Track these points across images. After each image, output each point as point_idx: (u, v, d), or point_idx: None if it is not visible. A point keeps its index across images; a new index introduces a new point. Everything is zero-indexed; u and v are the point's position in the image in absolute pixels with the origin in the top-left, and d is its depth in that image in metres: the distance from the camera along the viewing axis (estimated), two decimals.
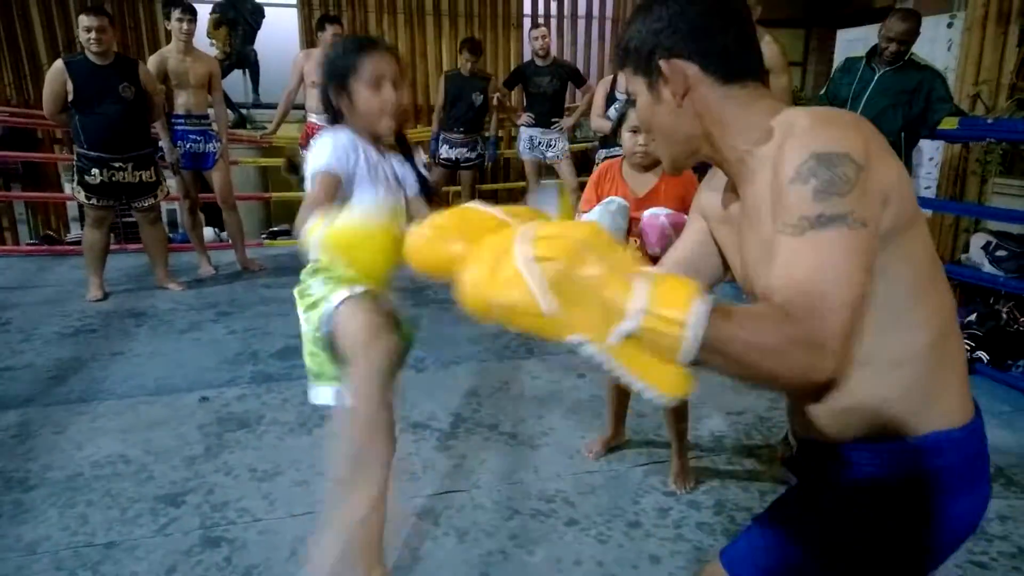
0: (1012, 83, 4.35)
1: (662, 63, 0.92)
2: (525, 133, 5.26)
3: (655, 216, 1.98)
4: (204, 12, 5.51)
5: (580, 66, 6.43)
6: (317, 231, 1.22)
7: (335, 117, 1.68)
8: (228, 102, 5.81)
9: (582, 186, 3.01)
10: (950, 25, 4.76)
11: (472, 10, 6.37)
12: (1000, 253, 3.46)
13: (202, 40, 5.37)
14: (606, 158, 4.18)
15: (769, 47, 4.00)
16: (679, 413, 2.20)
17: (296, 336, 1.55)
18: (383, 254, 1.20)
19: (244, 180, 6.05)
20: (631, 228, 2.05)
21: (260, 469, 2.34)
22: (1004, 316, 3.40)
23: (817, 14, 6.96)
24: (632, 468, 2.35)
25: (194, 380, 3.04)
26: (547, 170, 5.55)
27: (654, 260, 1.65)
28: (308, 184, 1.58)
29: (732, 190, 1.01)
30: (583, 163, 5.86)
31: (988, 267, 3.46)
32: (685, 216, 1.66)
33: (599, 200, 2.08)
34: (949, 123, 3.23)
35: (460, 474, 2.30)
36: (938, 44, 4.80)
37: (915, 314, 0.88)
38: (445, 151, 5.31)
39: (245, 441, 2.52)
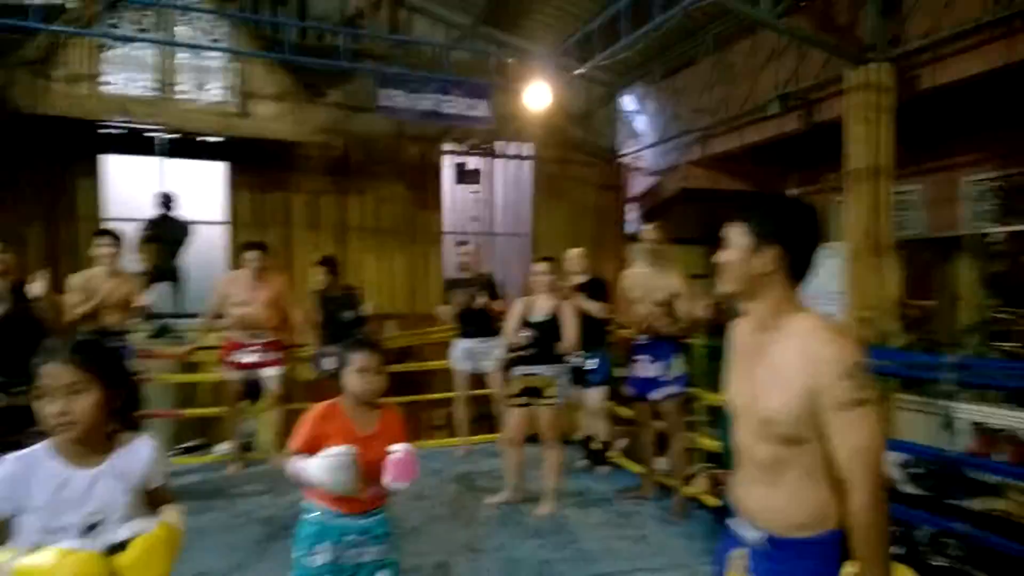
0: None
1: (772, 247, 1.40)
2: (461, 344, 5.22)
3: (403, 452, 2.09)
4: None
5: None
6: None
7: None
8: (151, 312, 5.73)
9: None
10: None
11: (398, 226, 6.65)
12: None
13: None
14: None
15: (676, 279, 4.26)
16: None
17: None
18: None
19: None
20: (369, 463, 2.05)
21: None
22: None
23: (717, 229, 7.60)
24: None
25: None
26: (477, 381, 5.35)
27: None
28: None
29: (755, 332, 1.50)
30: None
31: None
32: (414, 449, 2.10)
33: (318, 439, 2.07)
34: None
35: None
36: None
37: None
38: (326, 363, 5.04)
39: None
